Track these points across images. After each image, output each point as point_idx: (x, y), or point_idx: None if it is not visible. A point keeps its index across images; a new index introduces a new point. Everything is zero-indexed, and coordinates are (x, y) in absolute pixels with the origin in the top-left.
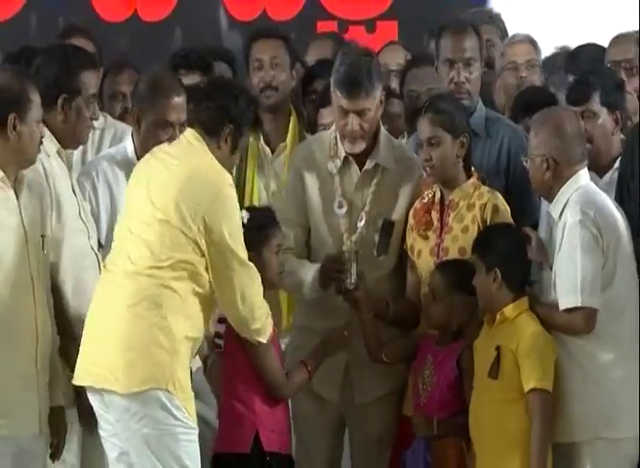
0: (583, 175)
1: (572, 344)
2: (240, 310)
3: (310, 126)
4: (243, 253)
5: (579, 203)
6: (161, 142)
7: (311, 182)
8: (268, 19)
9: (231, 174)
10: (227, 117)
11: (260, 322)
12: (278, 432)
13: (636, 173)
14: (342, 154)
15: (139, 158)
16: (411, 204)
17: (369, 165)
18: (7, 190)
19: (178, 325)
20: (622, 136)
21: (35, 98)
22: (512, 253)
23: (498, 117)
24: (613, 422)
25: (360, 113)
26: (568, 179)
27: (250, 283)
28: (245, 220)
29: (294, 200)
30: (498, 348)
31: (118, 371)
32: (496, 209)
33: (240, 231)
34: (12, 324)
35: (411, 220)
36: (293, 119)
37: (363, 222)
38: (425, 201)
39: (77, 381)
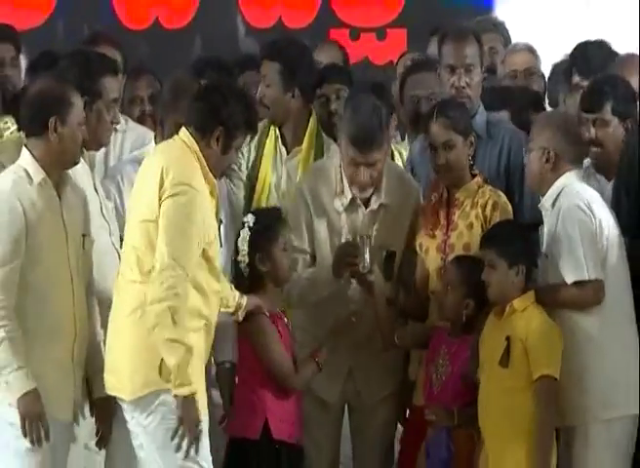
0: (576, 175)
1: (572, 328)
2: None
3: (323, 129)
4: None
5: (572, 192)
6: None
7: (318, 215)
8: (284, 26)
9: (222, 174)
10: (217, 119)
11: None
12: (288, 422)
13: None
14: (349, 195)
15: None
16: (411, 226)
17: (374, 204)
18: (49, 191)
19: None
20: None
21: (76, 101)
22: (533, 251)
23: (498, 120)
24: (609, 403)
25: (371, 165)
26: (562, 175)
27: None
28: (251, 223)
29: (303, 229)
30: (508, 338)
31: (125, 379)
32: (496, 206)
33: (187, 236)
34: (51, 318)
35: (420, 219)
36: (312, 121)
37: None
38: (433, 202)
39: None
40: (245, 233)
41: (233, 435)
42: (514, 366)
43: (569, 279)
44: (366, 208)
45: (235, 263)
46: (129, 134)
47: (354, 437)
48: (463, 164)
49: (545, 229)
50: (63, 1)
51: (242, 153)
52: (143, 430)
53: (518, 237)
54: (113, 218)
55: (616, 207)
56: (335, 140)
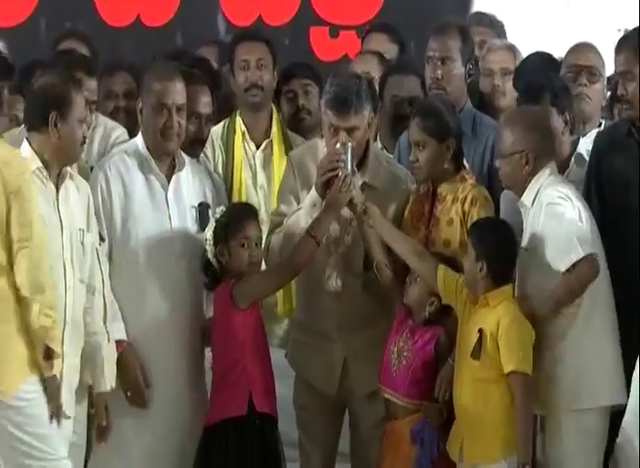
0: (550, 170)
1: (547, 320)
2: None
3: (288, 124)
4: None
5: (552, 186)
6: (163, 127)
7: (302, 185)
8: (264, 24)
9: None
10: None
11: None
12: (269, 394)
13: (612, 173)
14: None
15: (150, 151)
16: (396, 217)
17: (357, 181)
18: (46, 182)
19: None
20: (573, 137)
21: (78, 99)
22: (500, 251)
23: (484, 117)
24: (580, 394)
25: (349, 131)
26: (538, 172)
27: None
28: (218, 215)
29: (290, 196)
30: (480, 331)
31: None
32: (475, 201)
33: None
34: None
35: (406, 211)
36: (275, 116)
37: (350, 236)
38: (421, 193)
39: None
40: (212, 224)
41: (211, 422)
42: (486, 359)
43: (565, 264)
44: None
45: (204, 251)
46: (97, 129)
47: (351, 431)
48: (435, 164)
49: (526, 225)
50: None
51: (207, 156)
52: None
53: (493, 236)
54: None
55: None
56: (301, 136)
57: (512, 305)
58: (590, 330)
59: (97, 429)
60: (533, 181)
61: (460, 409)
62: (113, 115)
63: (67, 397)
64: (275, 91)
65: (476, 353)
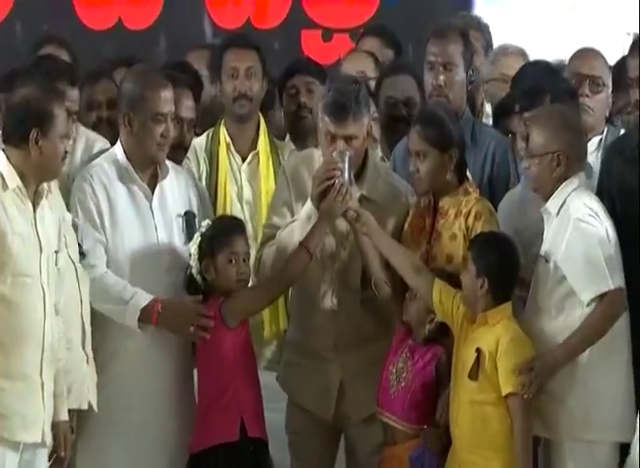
0: (580, 179)
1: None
2: None
3: (289, 122)
4: None
5: (580, 198)
6: (160, 138)
7: (297, 198)
8: (253, 27)
9: None
10: None
11: None
12: (259, 418)
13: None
14: None
15: (130, 161)
16: (395, 231)
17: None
18: (24, 200)
19: None
20: None
21: (60, 114)
22: (503, 267)
23: (484, 125)
24: (590, 424)
25: (347, 139)
26: (568, 177)
27: None
28: (204, 229)
29: (283, 208)
30: (478, 350)
31: None
32: (479, 215)
33: None
34: (18, 325)
35: (406, 225)
36: (263, 127)
37: (347, 250)
38: (421, 206)
39: None
40: (196, 238)
41: (200, 448)
42: (484, 380)
43: (592, 291)
44: None
45: (187, 267)
46: (79, 140)
47: (347, 457)
48: (437, 175)
49: (548, 234)
50: (21, 1)
51: (191, 169)
52: None
53: (496, 251)
54: (71, 231)
55: None
56: (301, 135)
57: (512, 323)
58: (606, 357)
59: (54, 460)
60: (560, 188)
61: (457, 433)
62: (96, 126)
63: (47, 424)
64: (278, 87)
65: (474, 374)
